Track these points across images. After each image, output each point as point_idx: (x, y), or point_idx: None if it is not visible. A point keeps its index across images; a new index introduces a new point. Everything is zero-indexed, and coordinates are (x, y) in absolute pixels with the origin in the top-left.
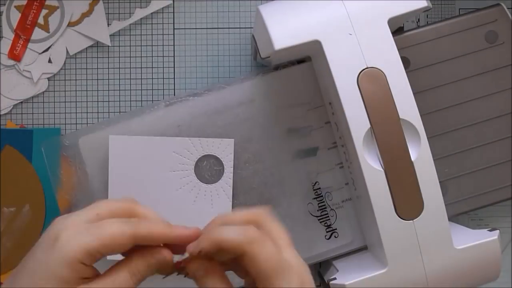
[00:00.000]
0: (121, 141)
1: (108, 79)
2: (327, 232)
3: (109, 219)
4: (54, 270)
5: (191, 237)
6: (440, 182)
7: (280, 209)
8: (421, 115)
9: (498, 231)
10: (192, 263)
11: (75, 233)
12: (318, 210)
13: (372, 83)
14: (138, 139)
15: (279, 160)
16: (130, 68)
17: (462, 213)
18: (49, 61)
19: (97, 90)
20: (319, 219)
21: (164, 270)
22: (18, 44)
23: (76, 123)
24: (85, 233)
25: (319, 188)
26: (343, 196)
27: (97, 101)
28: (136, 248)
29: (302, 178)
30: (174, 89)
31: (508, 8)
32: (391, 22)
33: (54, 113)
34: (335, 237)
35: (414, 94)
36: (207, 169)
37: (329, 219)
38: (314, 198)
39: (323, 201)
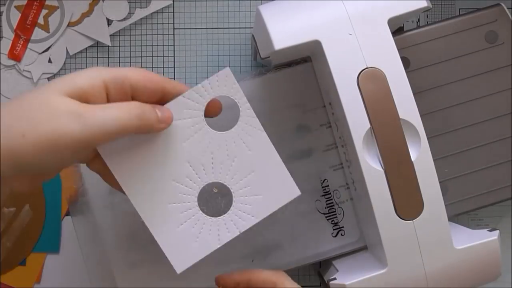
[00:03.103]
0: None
1: None
2: (334, 229)
3: None
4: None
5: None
6: (440, 182)
7: (289, 206)
8: (421, 115)
9: (498, 231)
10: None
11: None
12: (325, 208)
13: (372, 83)
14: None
15: None
16: None
17: (462, 213)
18: (49, 61)
19: None
20: (326, 217)
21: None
22: (18, 44)
23: None
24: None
25: (328, 186)
26: (351, 194)
27: None
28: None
29: (311, 176)
30: None
31: (508, 8)
32: (391, 22)
33: None
34: (341, 235)
35: (414, 94)
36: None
37: (336, 217)
38: (322, 196)
39: (331, 199)
